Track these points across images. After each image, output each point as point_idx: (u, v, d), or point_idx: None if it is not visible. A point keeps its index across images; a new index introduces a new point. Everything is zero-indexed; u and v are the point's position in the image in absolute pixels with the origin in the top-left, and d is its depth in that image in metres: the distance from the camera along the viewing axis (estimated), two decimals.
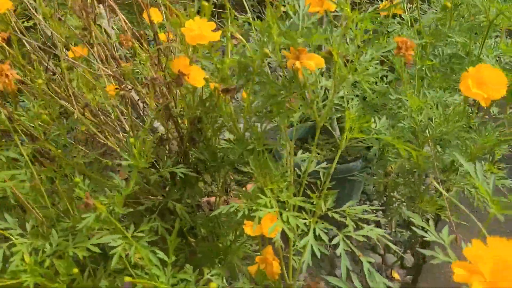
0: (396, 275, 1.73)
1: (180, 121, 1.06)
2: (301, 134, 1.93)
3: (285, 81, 0.93)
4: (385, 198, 1.68)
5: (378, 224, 1.86)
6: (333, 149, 1.84)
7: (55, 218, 0.93)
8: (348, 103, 1.05)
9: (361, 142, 1.77)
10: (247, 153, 0.99)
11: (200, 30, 0.83)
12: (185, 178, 1.12)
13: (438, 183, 1.34)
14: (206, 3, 0.87)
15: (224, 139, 1.07)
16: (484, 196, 0.68)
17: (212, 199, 1.13)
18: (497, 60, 1.40)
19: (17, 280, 0.77)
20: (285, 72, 0.94)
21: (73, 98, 1.02)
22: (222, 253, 1.16)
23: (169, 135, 1.06)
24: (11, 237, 0.82)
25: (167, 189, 1.12)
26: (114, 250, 0.84)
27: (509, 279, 0.39)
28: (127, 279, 0.68)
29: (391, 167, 1.62)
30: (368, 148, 1.79)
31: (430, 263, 1.65)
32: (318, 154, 1.79)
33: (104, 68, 0.94)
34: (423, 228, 0.74)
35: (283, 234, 0.91)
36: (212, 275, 0.93)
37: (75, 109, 1.01)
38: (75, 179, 0.83)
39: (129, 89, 0.96)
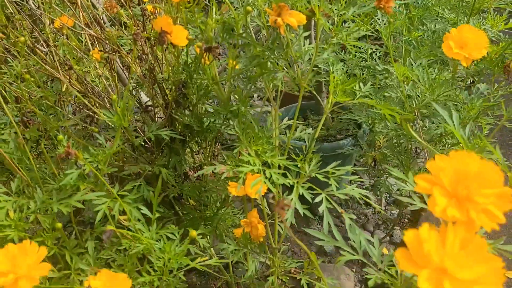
0: (385, 250, 1.75)
1: (165, 87, 1.07)
2: (291, 115, 1.94)
3: (268, 42, 0.94)
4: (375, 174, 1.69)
5: (368, 204, 1.88)
6: (323, 127, 1.86)
7: (41, 181, 0.93)
8: (333, 66, 1.05)
9: (352, 121, 1.78)
10: (232, 116, 1.00)
11: None
12: (171, 146, 1.13)
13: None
14: None
15: (209, 104, 1.08)
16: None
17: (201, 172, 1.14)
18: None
19: (1, 234, 0.78)
20: (268, 33, 0.95)
21: (57, 64, 1.02)
22: (209, 220, 1.17)
23: (155, 101, 1.06)
24: None
25: (153, 157, 1.12)
26: (99, 207, 0.84)
27: (468, 187, 0.40)
28: (109, 227, 0.69)
29: (380, 142, 1.63)
30: (359, 127, 1.81)
31: None
32: (307, 126, 1.81)
33: (89, 31, 0.95)
34: (403, 181, 0.75)
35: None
36: (197, 234, 0.93)
37: (60, 75, 1.01)
38: (58, 136, 0.83)
39: (113, 52, 0.97)
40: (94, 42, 1.04)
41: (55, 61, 1.03)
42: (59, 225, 0.81)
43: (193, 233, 0.78)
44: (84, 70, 1.18)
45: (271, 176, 0.89)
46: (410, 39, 1.38)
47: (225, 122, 1.04)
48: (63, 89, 1.13)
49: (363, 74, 1.64)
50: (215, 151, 1.29)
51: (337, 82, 1.00)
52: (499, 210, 0.39)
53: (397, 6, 1.42)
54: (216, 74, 0.99)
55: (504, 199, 0.39)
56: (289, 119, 1.86)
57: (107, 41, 0.98)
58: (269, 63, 0.94)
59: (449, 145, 1.47)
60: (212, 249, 1.10)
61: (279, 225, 1.12)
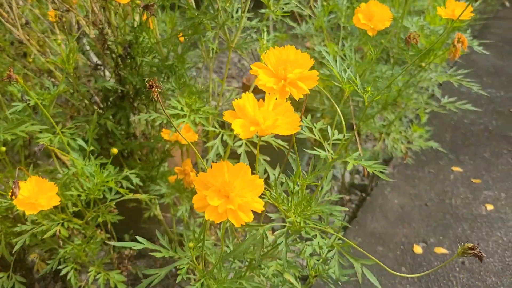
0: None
1: (114, 48, 1.20)
2: None
3: (203, 7, 1.08)
4: None
5: None
6: None
7: None
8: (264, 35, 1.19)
9: None
10: (170, 73, 1.13)
11: None
12: (118, 104, 1.25)
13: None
14: None
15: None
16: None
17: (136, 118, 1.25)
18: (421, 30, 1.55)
19: None
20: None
21: (18, 24, 1.14)
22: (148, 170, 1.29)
23: (105, 61, 1.19)
24: None
25: (102, 113, 1.24)
26: (40, 140, 0.96)
27: (285, 68, 0.53)
28: (41, 141, 0.81)
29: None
30: None
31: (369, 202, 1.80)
32: None
33: None
34: None
35: None
36: (131, 173, 1.05)
37: (19, 33, 1.14)
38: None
39: (65, 10, 1.09)
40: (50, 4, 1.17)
41: (16, 21, 1.15)
42: (3, 149, 0.92)
43: (114, 150, 0.90)
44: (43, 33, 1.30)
45: (195, 119, 1.02)
46: (347, 25, 1.53)
47: (165, 80, 1.17)
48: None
49: None
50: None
51: (266, 47, 1.13)
52: (306, 85, 0.53)
53: None
54: (157, 34, 1.12)
55: (311, 79, 0.53)
56: None
57: (64, 3, 1.11)
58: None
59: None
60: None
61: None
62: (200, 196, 0.52)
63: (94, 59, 1.28)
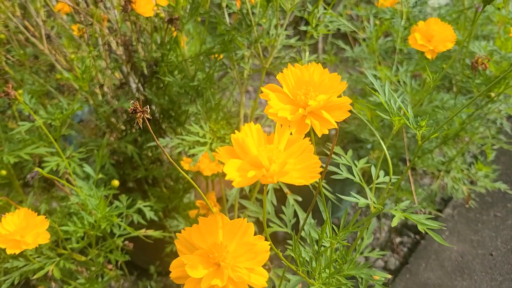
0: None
1: (140, 65, 1.10)
2: None
3: (234, 23, 0.96)
4: None
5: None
6: None
7: None
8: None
9: None
10: (197, 95, 1.01)
11: None
12: (143, 125, 1.15)
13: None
14: None
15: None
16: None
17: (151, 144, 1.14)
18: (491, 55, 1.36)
19: None
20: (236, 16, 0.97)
21: (41, 33, 1.08)
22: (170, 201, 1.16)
23: (129, 77, 1.10)
24: None
25: (124, 135, 1.15)
26: (47, 164, 0.87)
27: (307, 93, 0.39)
28: (36, 168, 0.71)
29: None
30: None
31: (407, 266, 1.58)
32: None
33: (74, 6, 1.00)
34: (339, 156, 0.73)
35: None
36: (144, 206, 0.93)
37: (37, 38, 1.07)
38: (18, 90, 0.88)
39: (89, 24, 1.01)
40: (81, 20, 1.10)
41: (41, 34, 1.09)
42: (4, 172, 0.83)
43: (115, 182, 0.78)
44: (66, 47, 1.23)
45: (216, 148, 0.88)
46: (403, 48, 1.36)
47: (191, 101, 1.06)
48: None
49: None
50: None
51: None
52: (334, 117, 0.38)
53: (393, 18, 1.41)
54: (184, 51, 1.02)
55: (341, 108, 0.38)
56: None
57: (90, 17, 1.04)
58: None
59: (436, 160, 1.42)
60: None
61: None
62: (179, 262, 0.38)
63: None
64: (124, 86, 1.11)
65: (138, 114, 0.44)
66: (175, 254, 1.19)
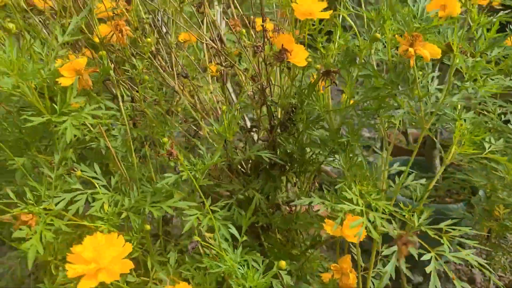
0: None
1: (273, 110, 1.04)
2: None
3: (391, 75, 0.87)
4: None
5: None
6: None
7: (139, 182, 0.93)
8: (459, 113, 0.94)
9: (466, 183, 1.59)
10: (340, 149, 0.93)
11: (310, 6, 0.81)
12: (268, 172, 1.08)
13: None
14: None
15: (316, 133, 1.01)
16: None
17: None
18: None
19: (93, 225, 0.78)
20: (392, 66, 0.88)
21: (175, 74, 1.04)
22: (295, 259, 1.09)
23: (260, 123, 1.04)
24: (96, 185, 0.83)
25: (249, 181, 1.08)
26: (188, 218, 0.82)
27: None
28: (196, 238, 0.65)
29: (499, 212, 1.43)
30: (473, 192, 1.61)
31: None
32: None
33: (210, 42, 0.96)
34: None
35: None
36: (280, 269, 0.86)
37: (175, 83, 1.03)
38: (163, 139, 0.83)
39: (229, 66, 0.96)
40: (213, 57, 1.06)
41: (173, 70, 1.06)
42: (148, 227, 0.79)
43: (283, 263, 0.71)
44: (197, 85, 1.20)
45: (375, 220, 0.79)
46: None
47: (330, 155, 0.97)
48: (175, 100, 1.15)
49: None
50: (312, 187, 1.21)
51: (464, 130, 0.89)
52: None
53: None
54: (330, 102, 0.94)
55: None
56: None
57: (226, 56, 0.99)
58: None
59: None
60: None
61: (372, 281, 1.00)
62: None
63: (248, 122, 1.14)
64: (254, 130, 1.05)
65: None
66: None
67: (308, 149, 1.05)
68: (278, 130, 1.03)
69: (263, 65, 0.99)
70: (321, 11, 0.82)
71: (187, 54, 1.13)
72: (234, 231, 0.79)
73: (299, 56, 0.84)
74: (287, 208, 1.19)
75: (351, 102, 0.92)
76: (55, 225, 0.68)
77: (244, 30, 1.06)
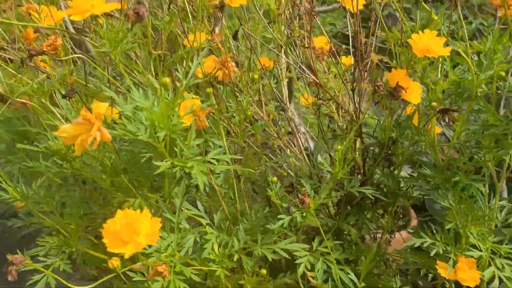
0: None
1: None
2: None
3: (508, 112, 0.83)
4: None
5: None
6: None
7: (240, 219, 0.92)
8: None
9: None
10: (447, 185, 0.90)
11: (428, 42, 0.78)
12: (360, 206, 1.05)
13: None
14: (435, 16, 0.82)
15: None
16: None
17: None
18: None
19: (207, 268, 0.76)
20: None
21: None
22: None
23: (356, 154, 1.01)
24: (203, 224, 0.82)
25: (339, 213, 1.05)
26: (301, 260, 0.79)
27: None
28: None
29: None
30: None
31: None
32: None
33: (305, 74, 0.94)
34: None
35: None
36: None
37: (263, 115, 1.02)
38: (273, 178, 0.81)
39: (328, 100, 0.94)
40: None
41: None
42: (264, 271, 0.77)
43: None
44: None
45: (503, 267, 0.75)
46: None
47: (434, 188, 0.94)
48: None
49: None
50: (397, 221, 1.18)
51: None
52: None
53: None
54: (435, 137, 0.91)
55: None
56: None
57: (325, 89, 0.96)
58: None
59: None
60: None
61: None
62: None
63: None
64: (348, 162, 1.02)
65: None
66: None
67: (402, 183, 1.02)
68: (371, 163, 1.01)
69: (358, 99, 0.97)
70: (441, 48, 0.79)
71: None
72: (353, 277, 0.76)
73: (414, 93, 0.81)
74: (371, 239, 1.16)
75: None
76: (185, 273, 0.66)
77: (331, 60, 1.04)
